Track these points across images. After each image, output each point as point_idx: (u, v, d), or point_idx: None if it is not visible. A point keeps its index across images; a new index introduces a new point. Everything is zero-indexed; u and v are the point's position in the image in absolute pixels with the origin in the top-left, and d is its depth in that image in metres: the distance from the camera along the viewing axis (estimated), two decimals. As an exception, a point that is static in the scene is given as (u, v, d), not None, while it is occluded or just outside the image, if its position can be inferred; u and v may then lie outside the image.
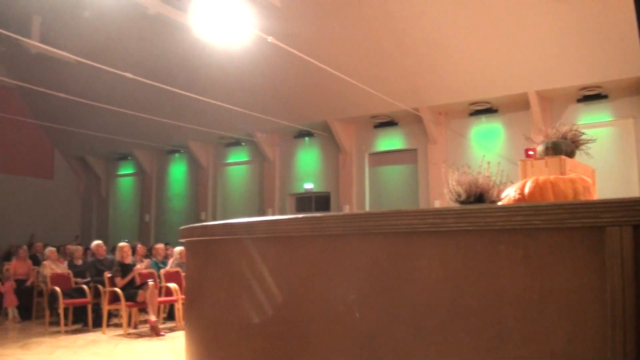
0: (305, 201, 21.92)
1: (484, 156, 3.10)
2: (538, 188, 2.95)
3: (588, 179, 3.14)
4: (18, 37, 14.18)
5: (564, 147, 4.27)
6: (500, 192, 3.04)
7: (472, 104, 17.28)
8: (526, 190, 2.99)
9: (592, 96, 15.91)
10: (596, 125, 16.09)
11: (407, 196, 19.19)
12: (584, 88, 15.62)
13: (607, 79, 14.93)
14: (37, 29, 18.29)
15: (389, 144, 19.64)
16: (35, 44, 16.23)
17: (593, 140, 4.60)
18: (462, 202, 3.00)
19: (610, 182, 14.61)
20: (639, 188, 15.19)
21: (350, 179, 20.07)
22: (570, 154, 4.36)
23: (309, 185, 21.25)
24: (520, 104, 16.53)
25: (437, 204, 18.05)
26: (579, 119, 16.34)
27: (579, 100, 16.23)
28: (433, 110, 17.92)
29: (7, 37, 13.10)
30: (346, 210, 19.97)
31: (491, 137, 17.73)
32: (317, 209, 21.52)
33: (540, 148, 4.42)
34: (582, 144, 4.46)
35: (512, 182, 3.69)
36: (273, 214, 21.65)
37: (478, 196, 2.93)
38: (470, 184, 2.93)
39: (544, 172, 4.19)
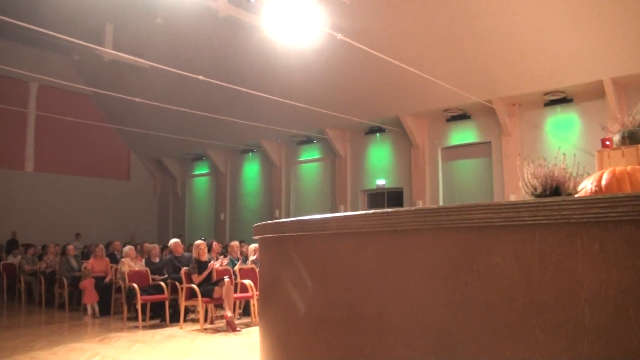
0: (377, 197, 21.85)
1: (559, 147, 3.00)
2: (615, 179, 2.86)
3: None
4: (90, 45, 14.60)
5: (641, 135, 4.12)
6: (576, 184, 2.95)
7: (547, 93, 16.84)
8: (603, 182, 2.91)
9: (669, 81, 15.29)
10: (676, 112, 15.47)
11: (481, 191, 18.89)
12: (661, 73, 15.02)
13: (686, 64, 14.33)
14: (110, 37, 18.86)
15: (462, 137, 19.37)
16: (108, 51, 16.71)
17: (672, 125, 4.40)
18: (537, 196, 2.92)
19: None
20: None
21: (422, 174, 19.89)
22: (647, 143, 4.20)
23: (381, 182, 21.18)
24: (595, 92, 16.00)
25: (513, 198, 17.69)
26: (657, 106, 15.72)
27: (655, 87, 15.62)
28: (506, 102, 17.56)
29: (82, 46, 13.51)
30: (419, 205, 19.81)
31: (567, 127, 17.25)
32: (390, 205, 21.40)
33: (616, 138, 4.26)
34: (661, 131, 4.28)
35: (588, 174, 3.58)
36: (345, 211, 21.67)
37: (554, 189, 2.85)
38: (546, 176, 2.86)
39: (621, 162, 4.06)
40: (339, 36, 12.08)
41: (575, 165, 3.01)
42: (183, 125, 21.72)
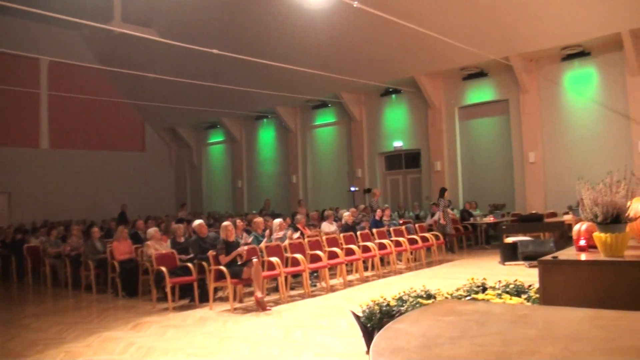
0: (395, 159, 21.77)
1: (610, 173, 2.92)
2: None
3: None
4: (96, 24, 14.41)
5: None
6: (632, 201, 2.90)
7: (564, 48, 16.54)
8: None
9: (688, 29, 14.94)
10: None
11: (500, 149, 18.77)
12: (681, 22, 14.68)
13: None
14: (119, 10, 18.58)
15: (479, 96, 19.15)
16: (117, 29, 16.50)
17: None
18: (599, 223, 2.86)
19: None
20: None
21: (440, 134, 19.74)
22: None
23: (398, 143, 21.05)
24: (613, 44, 15.70)
25: (532, 157, 17.56)
26: (677, 58, 15.42)
27: (676, 36, 15.29)
28: (524, 58, 17.29)
29: (89, 19, 13.30)
30: (437, 167, 19.72)
31: (585, 81, 17.00)
32: (408, 167, 21.35)
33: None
34: None
35: (638, 179, 3.47)
36: (363, 174, 21.64)
37: (615, 217, 2.79)
38: (608, 205, 2.79)
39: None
40: (356, 4, 11.85)
41: (627, 181, 2.92)
42: (196, 96, 21.58)
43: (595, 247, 3.01)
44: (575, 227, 3.44)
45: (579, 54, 16.78)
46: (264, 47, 17.71)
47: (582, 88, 16.98)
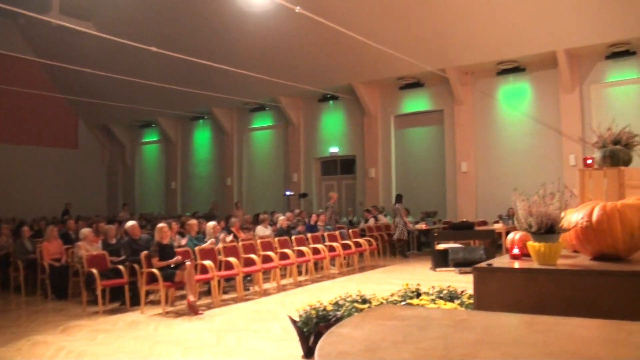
0: (330, 165, 21.89)
1: (543, 184, 3.02)
2: (606, 216, 2.90)
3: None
4: (34, 14, 14.02)
5: (622, 155, 4.18)
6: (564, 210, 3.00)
7: (500, 63, 17.01)
8: (594, 218, 2.94)
9: (620, 53, 15.64)
10: (624, 83, 15.88)
11: (433, 158, 19.11)
12: (612, 45, 15.35)
13: (635, 35, 14.63)
14: (57, 1, 18.09)
15: (414, 105, 19.47)
16: (54, 20, 16.06)
17: (647, 141, 4.48)
18: (533, 233, 2.95)
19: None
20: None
21: (375, 141, 19.97)
22: (627, 162, 4.27)
23: (334, 149, 21.18)
24: (548, 62, 16.27)
25: (465, 166, 17.95)
26: (607, 77, 16.11)
27: (607, 58, 15.95)
28: (459, 71, 17.68)
29: (27, 9, 12.89)
30: (372, 174, 19.92)
31: (518, 96, 17.54)
32: (343, 173, 21.49)
33: (597, 155, 4.31)
34: (636, 145, 4.35)
35: (572, 192, 3.60)
36: (299, 179, 21.67)
37: (549, 227, 2.89)
38: (542, 216, 2.88)
39: (603, 182, 4.11)
40: (298, 9, 11.88)
41: (559, 192, 3.03)
42: (132, 93, 21.18)
43: (528, 255, 3.10)
44: (509, 236, 3.54)
45: (514, 69, 17.28)
46: (203, 47, 17.55)
47: (516, 102, 17.48)
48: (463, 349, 1.50)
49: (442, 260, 13.33)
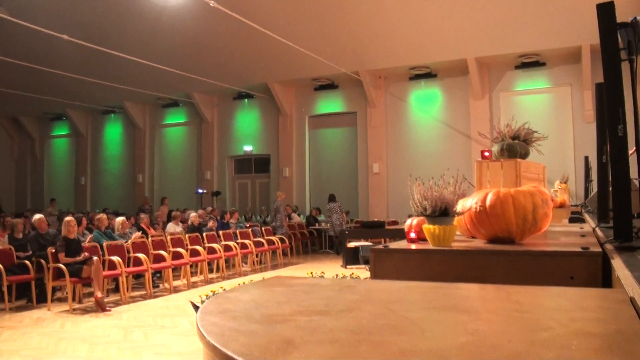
0: (244, 163, 21.82)
1: (448, 169, 3.15)
2: (499, 202, 3.03)
3: (546, 191, 3.25)
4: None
5: (519, 149, 4.38)
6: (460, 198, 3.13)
7: (412, 68, 17.43)
8: (487, 203, 3.08)
9: (530, 63, 16.31)
10: (533, 92, 16.55)
11: (346, 159, 19.36)
12: (522, 55, 15.99)
13: (545, 47, 15.29)
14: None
15: (329, 106, 19.68)
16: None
17: (545, 138, 4.73)
18: (427, 216, 3.07)
19: (547, 147, 15.06)
20: (574, 152, 15.71)
21: (290, 141, 20.06)
22: (524, 155, 4.48)
23: (248, 148, 21.13)
24: (459, 69, 16.78)
25: (376, 167, 18.27)
26: (516, 86, 16.75)
27: (517, 67, 16.60)
28: (373, 74, 18.00)
29: None
30: (286, 173, 20.00)
31: (430, 101, 17.99)
32: (257, 171, 21.48)
33: (495, 149, 4.51)
34: (534, 141, 4.58)
35: (470, 184, 3.76)
36: (212, 177, 21.53)
37: (443, 210, 3.00)
38: (436, 199, 3.00)
39: (500, 173, 4.29)
40: (212, 3, 11.81)
41: (458, 177, 3.16)
42: (43, 83, 20.42)
43: (424, 240, 3.21)
44: (407, 222, 3.66)
45: (426, 74, 17.72)
46: (116, 39, 17.14)
47: (427, 106, 17.93)
48: (344, 305, 1.56)
49: (353, 257, 13.51)
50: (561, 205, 9.18)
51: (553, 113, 16.24)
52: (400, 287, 1.86)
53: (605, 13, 2.53)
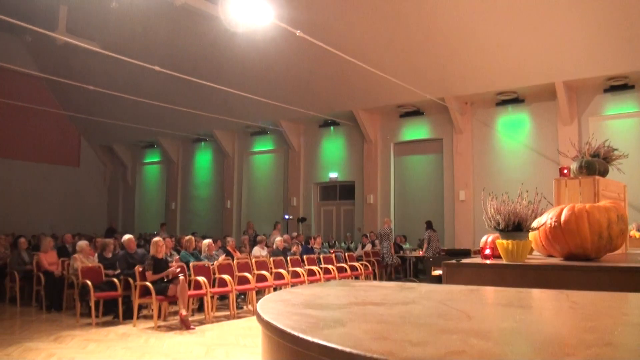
0: (330, 190, 21.98)
1: (522, 184, 3.12)
2: (574, 217, 2.98)
3: (621, 205, 3.18)
4: (40, 29, 14.25)
5: (598, 166, 4.28)
6: (536, 218, 3.08)
7: (499, 93, 17.18)
8: (562, 219, 3.03)
9: (618, 86, 15.80)
10: (622, 116, 16.01)
11: (432, 186, 19.19)
12: (611, 78, 15.52)
13: (634, 69, 14.79)
14: (64, 20, 18.39)
15: (414, 133, 19.60)
16: (61, 37, 16.34)
17: (625, 156, 4.59)
18: (500, 230, 3.04)
19: (637, 174, 14.55)
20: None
21: (375, 168, 20.07)
22: (603, 173, 4.37)
23: (333, 175, 21.28)
24: (546, 94, 16.43)
25: (462, 195, 18.02)
26: (605, 110, 16.25)
27: (606, 91, 16.12)
28: (459, 100, 17.85)
29: (34, 26, 13.16)
30: (370, 200, 20.01)
31: (517, 127, 17.65)
32: (342, 198, 21.57)
33: (574, 166, 4.42)
34: (615, 159, 4.46)
35: (549, 202, 3.70)
36: (298, 203, 21.76)
37: (516, 225, 2.98)
38: (509, 213, 2.98)
39: (578, 191, 4.20)
40: (298, 33, 12.06)
41: (536, 196, 3.12)
42: (135, 113, 21.37)
43: (499, 257, 3.19)
44: (482, 239, 3.64)
45: (513, 100, 17.43)
46: (206, 69, 17.76)
47: (514, 132, 17.61)
48: (400, 300, 1.60)
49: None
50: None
51: (644, 137, 15.65)
52: (461, 289, 1.88)
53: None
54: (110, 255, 11.68)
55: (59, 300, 11.58)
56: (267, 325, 1.20)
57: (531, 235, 3.09)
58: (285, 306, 1.49)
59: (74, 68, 20.83)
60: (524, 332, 1.12)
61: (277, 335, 1.12)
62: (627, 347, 1.01)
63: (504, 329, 1.15)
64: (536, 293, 1.93)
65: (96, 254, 11.86)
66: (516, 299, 1.75)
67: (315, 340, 1.03)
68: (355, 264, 14.86)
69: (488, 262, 3.10)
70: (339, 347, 0.97)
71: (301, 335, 1.06)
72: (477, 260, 3.24)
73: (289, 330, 1.09)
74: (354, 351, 0.93)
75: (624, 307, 1.55)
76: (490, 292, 1.84)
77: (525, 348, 0.98)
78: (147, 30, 18.72)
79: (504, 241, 3.01)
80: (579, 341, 1.02)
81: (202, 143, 25.21)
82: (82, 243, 11.76)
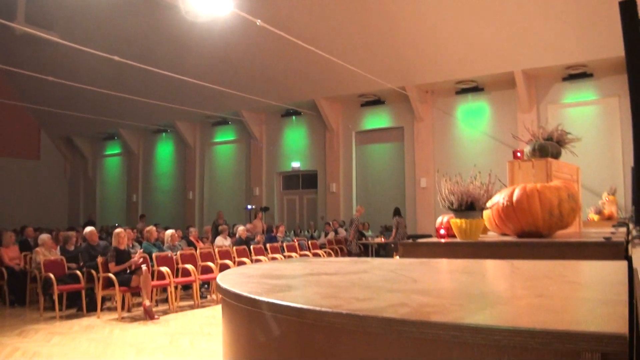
0: (292, 179, 22.04)
1: (475, 165, 3.22)
2: (525, 196, 3.09)
3: (573, 185, 3.31)
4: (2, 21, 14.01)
5: (550, 149, 4.42)
6: (490, 197, 3.19)
7: (459, 82, 17.39)
8: (514, 198, 3.14)
9: (577, 75, 16.10)
10: (581, 104, 16.33)
11: (393, 174, 19.38)
12: (570, 67, 15.80)
13: (592, 58, 15.07)
14: (23, 10, 18.09)
15: (375, 122, 19.75)
16: (20, 27, 16.08)
17: (578, 140, 4.75)
18: (454, 210, 3.14)
19: (595, 160, 14.90)
20: (622, 164, 15.44)
21: (337, 157, 20.19)
22: (556, 155, 4.51)
23: (296, 164, 21.34)
24: (506, 82, 16.67)
25: (424, 182, 18.24)
26: (564, 98, 16.56)
27: (565, 79, 16.41)
28: (420, 89, 18.02)
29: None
30: (333, 188, 20.13)
31: (477, 115, 17.90)
32: (305, 187, 21.65)
33: (527, 149, 4.55)
34: (568, 143, 4.60)
35: (503, 184, 3.82)
36: (261, 193, 21.78)
37: (469, 204, 3.08)
38: (462, 193, 3.08)
39: (531, 173, 4.33)
40: (259, 22, 12.06)
41: (491, 177, 3.23)
42: (95, 105, 21.10)
43: (454, 236, 3.29)
44: (438, 220, 3.75)
45: (473, 88, 17.66)
46: (166, 59, 17.64)
47: (474, 120, 17.86)
48: (353, 270, 1.68)
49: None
50: (609, 218, 9.08)
51: (602, 124, 16.01)
52: (412, 261, 1.97)
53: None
54: (72, 248, 11.59)
55: (22, 295, 11.45)
56: (226, 293, 1.27)
57: (485, 215, 3.19)
58: (243, 277, 1.56)
59: (33, 59, 20.49)
60: (464, 290, 1.21)
61: (234, 300, 1.19)
62: (558, 297, 1.10)
63: (445, 288, 1.24)
64: (483, 262, 2.03)
65: (58, 247, 11.75)
66: (463, 267, 1.85)
67: (270, 299, 1.11)
68: (319, 251, 14.95)
69: (443, 240, 3.20)
70: (292, 304, 1.05)
71: (257, 297, 1.13)
72: (433, 239, 3.34)
73: (245, 293, 1.16)
74: (305, 306, 1.01)
75: (566, 271, 1.65)
76: (439, 263, 1.93)
77: (462, 300, 1.06)
78: (107, 20, 18.50)
79: (458, 220, 3.11)
80: (513, 295, 1.11)
81: (163, 134, 25.04)
82: (44, 236, 11.62)
